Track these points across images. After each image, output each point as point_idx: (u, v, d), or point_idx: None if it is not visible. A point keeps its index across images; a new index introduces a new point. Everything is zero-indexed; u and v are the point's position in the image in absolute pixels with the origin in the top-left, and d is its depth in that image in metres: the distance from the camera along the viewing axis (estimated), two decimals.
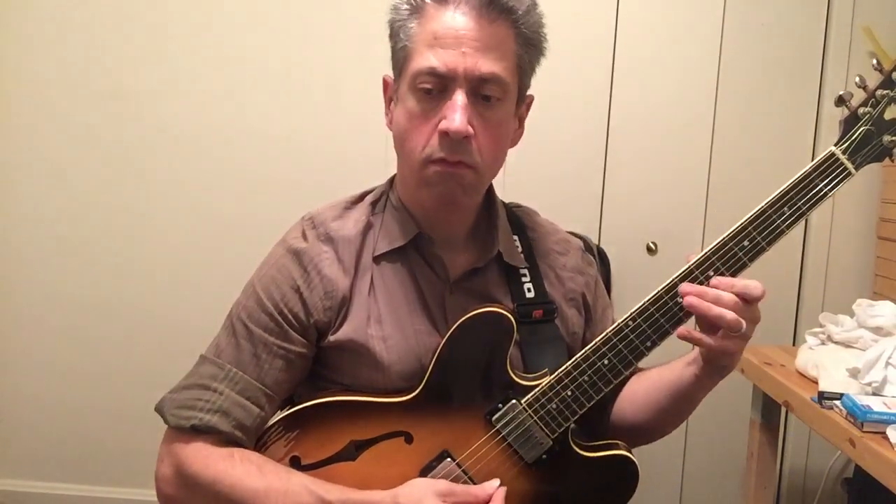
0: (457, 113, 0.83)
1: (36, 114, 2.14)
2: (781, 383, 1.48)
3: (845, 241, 2.14)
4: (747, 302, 0.81)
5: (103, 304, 2.17)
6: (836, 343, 1.50)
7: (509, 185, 2.06)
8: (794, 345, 2.03)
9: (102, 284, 2.17)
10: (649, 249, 2.15)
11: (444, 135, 0.84)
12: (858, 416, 1.20)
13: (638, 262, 2.13)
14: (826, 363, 1.42)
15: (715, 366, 0.90)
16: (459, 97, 0.83)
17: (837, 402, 1.29)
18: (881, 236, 2.08)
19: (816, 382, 1.40)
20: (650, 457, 2.16)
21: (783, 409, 1.54)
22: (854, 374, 1.35)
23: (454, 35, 0.83)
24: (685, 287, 0.83)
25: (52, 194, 2.16)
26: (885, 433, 1.17)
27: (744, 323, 0.81)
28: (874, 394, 1.30)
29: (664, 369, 0.98)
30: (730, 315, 0.80)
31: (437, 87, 0.84)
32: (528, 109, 0.97)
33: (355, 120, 2.07)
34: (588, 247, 1.85)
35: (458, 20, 0.83)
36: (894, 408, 1.21)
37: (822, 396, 1.33)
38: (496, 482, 0.85)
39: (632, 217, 2.15)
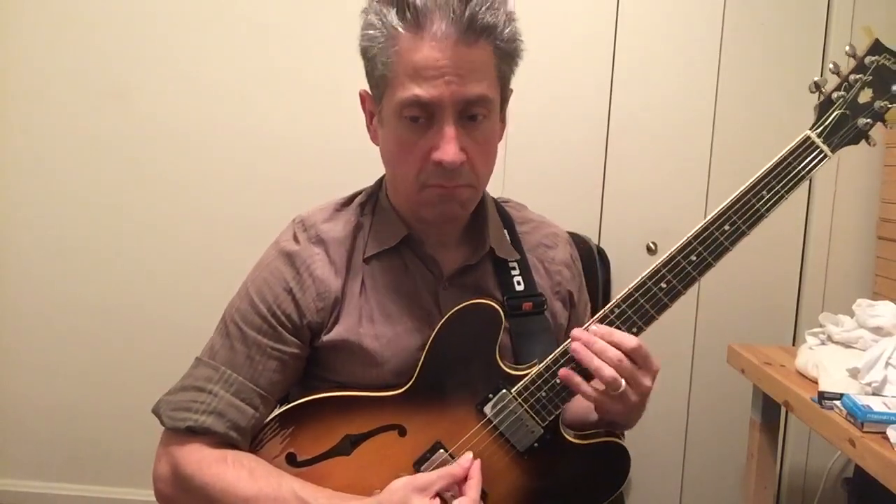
0: (449, 145, 0.83)
1: (36, 114, 2.14)
2: (781, 383, 1.48)
3: (845, 241, 2.14)
4: (634, 362, 0.83)
5: (103, 304, 2.17)
6: (836, 343, 1.50)
7: (509, 186, 2.07)
8: (794, 345, 2.03)
9: (102, 285, 2.17)
10: (649, 249, 2.15)
11: (439, 164, 0.84)
12: (858, 416, 1.20)
13: (638, 262, 2.13)
14: (826, 363, 1.42)
15: (605, 420, 0.92)
16: (449, 129, 0.83)
17: (837, 402, 1.29)
18: (881, 236, 2.08)
19: (816, 382, 1.40)
20: (650, 457, 2.18)
21: (783, 409, 1.54)
22: (854, 374, 1.35)
23: (434, 66, 0.81)
24: (576, 332, 0.85)
25: (50, 194, 2.16)
26: (885, 433, 1.17)
27: (622, 383, 0.82)
28: (874, 394, 1.30)
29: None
30: (607, 371, 0.82)
31: (424, 115, 0.84)
32: (507, 103, 0.96)
33: (355, 120, 2.06)
34: (588, 247, 1.85)
35: (436, 51, 0.81)
36: (894, 408, 1.21)
37: (822, 396, 1.33)
38: (470, 455, 0.86)
39: (632, 217, 2.15)
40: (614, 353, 0.83)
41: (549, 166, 2.12)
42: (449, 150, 0.83)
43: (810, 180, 2.14)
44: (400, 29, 0.82)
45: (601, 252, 1.92)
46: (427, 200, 0.88)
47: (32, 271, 2.18)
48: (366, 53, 0.88)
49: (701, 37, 2.11)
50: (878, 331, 1.44)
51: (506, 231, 1.02)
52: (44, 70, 2.13)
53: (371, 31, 0.85)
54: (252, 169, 2.15)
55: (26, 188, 2.17)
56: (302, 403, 0.91)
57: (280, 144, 2.14)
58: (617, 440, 0.92)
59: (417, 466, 0.89)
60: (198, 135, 2.14)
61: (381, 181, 1.02)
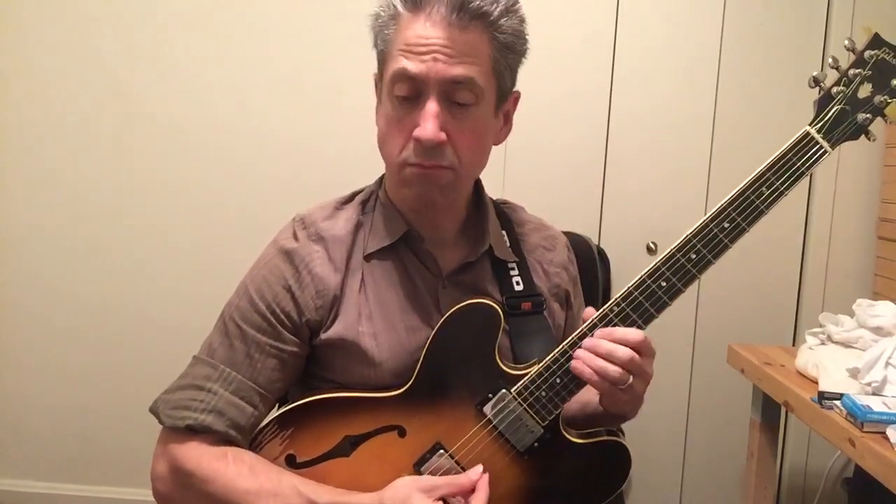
0: (428, 122, 0.84)
1: (36, 114, 2.14)
2: (781, 383, 1.48)
3: (845, 241, 2.14)
4: (641, 355, 0.84)
5: (103, 304, 2.17)
6: (836, 343, 1.50)
7: (509, 186, 2.07)
8: (794, 345, 2.03)
9: (102, 284, 2.17)
10: (649, 249, 2.15)
11: (418, 141, 0.85)
12: (858, 416, 1.20)
13: (638, 262, 2.12)
14: (826, 363, 1.42)
15: (610, 412, 0.94)
16: (431, 105, 0.85)
17: (837, 402, 1.29)
18: (881, 236, 2.08)
19: (816, 382, 1.40)
20: (650, 457, 2.18)
21: (783, 409, 1.54)
22: (854, 374, 1.35)
23: (424, 42, 0.84)
24: (586, 342, 0.86)
25: (50, 194, 2.16)
26: (885, 433, 1.17)
27: (630, 378, 0.84)
28: (874, 394, 1.29)
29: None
30: (612, 370, 0.83)
31: (412, 93, 0.86)
32: (514, 105, 0.98)
33: (356, 120, 2.06)
34: (588, 247, 1.86)
35: (429, 29, 0.84)
36: (894, 408, 1.21)
37: (822, 396, 1.33)
38: (479, 468, 0.86)
39: (632, 217, 2.15)
40: (624, 353, 0.83)
41: (549, 166, 2.12)
42: (427, 126, 0.84)
43: (810, 180, 2.15)
44: (400, 9, 0.87)
45: (601, 252, 1.92)
46: (407, 180, 0.90)
47: (32, 271, 2.18)
48: (372, 31, 0.92)
49: (701, 37, 2.11)
50: (878, 331, 1.44)
51: (504, 232, 1.02)
52: (44, 70, 2.13)
53: (378, 10, 0.90)
54: (252, 169, 2.14)
55: (26, 188, 2.17)
56: (301, 405, 0.90)
57: (280, 144, 2.14)
58: (617, 439, 0.92)
59: (417, 467, 0.89)
60: (198, 135, 2.14)
61: (381, 179, 1.02)
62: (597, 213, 2.16)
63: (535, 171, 2.11)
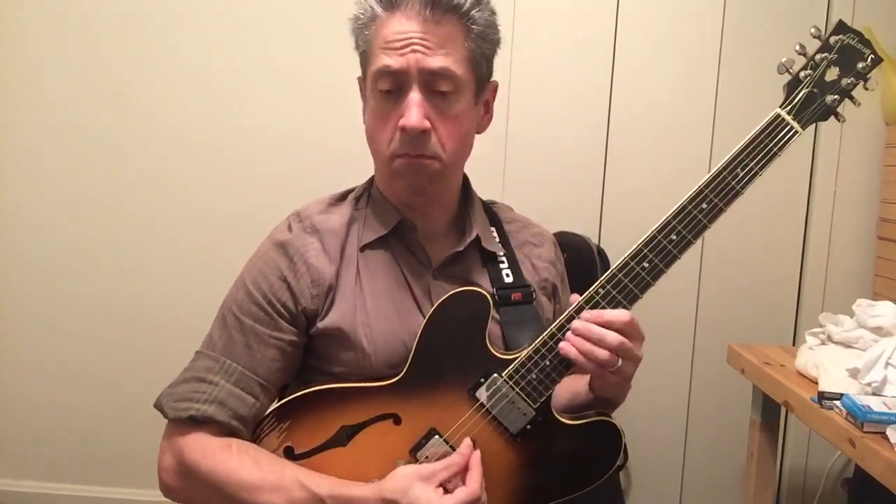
0: (412, 110, 0.89)
1: (36, 114, 2.14)
2: (781, 383, 1.48)
3: (845, 241, 2.14)
4: (629, 336, 0.86)
5: (103, 303, 2.17)
6: (836, 343, 1.50)
7: (509, 186, 2.07)
8: (794, 345, 2.03)
9: (102, 284, 2.17)
10: None
11: (403, 131, 0.89)
12: (858, 416, 1.20)
13: None
14: (826, 363, 1.42)
15: (598, 397, 0.96)
16: (414, 95, 0.89)
17: (837, 402, 1.29)
18: (881, 236, 2.08)
19: (816, 382, 1.40)
20: (650, 457, 2.17)
21: (783, 409, 1.54)
22: (854, 374, 1.35)
23: (403, 37, 0.89)
24: (575, 324, 0.86)
25: (50, 194, 2.16)
26: (885, 433, 1.17)
27: (619, 361, 0.86)
28: (874, 394, 1.30)
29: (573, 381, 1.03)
30: (601, 353, 0.84)
31: (395, 87, 0.90)
32: (493, 95, 1.03)
33: (356, 120, 2.06)
34: (588, 247, 1.85)
35: (405, 24, 0.89)
36: (894, 408, 1.21)
37: (822, 396, 1.33)
38: (469, 444, 0.89)
39: (632, 217, 2.14)
40: (613, 338, 0.85)
41: (549, 166, 2.12)
42: (412, 115, 0.88)
43: (811, 180, 2.15)
44: (377, 9, 0.92)
45: (601, 252, 1.91)
46: (397, 171, 0.93)
47: (32, 270, 2.18)
48: (353, 34, 0.97)
49: (701, 37, 2.11)
50: (878, 331, 1.44)
51: (493, 228, 1.06)
52: (44, 70, 2.13)
53: (357, 13, 0.95)
54: (252, 169, 2.14)
55: (26, 188, 2.17)
56: (297, 397, 0.92)
57: (280, 144, 2.14)
58: (608, 419, 0.94)
59: (413, 454, 0.91)
60: (198, 135, 2.14)
61: (372, 178, 1.06)
62: (597, 213, 2.16)
63: (535, 171, 2.11)
